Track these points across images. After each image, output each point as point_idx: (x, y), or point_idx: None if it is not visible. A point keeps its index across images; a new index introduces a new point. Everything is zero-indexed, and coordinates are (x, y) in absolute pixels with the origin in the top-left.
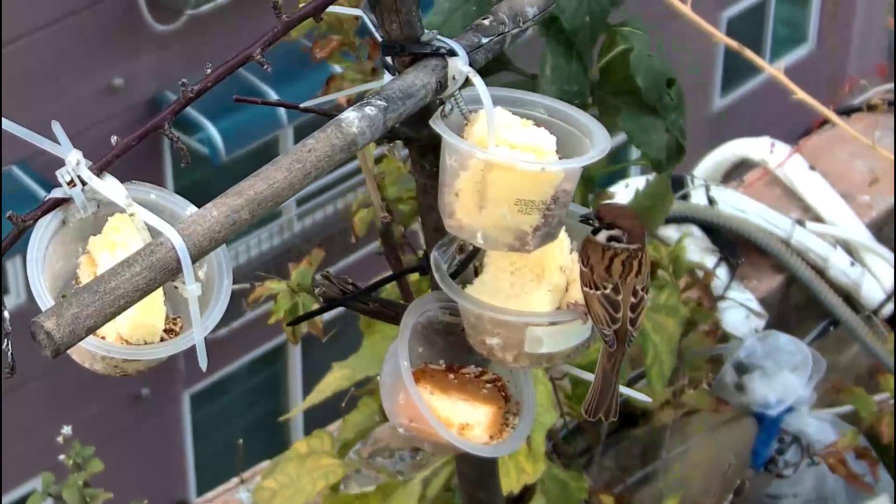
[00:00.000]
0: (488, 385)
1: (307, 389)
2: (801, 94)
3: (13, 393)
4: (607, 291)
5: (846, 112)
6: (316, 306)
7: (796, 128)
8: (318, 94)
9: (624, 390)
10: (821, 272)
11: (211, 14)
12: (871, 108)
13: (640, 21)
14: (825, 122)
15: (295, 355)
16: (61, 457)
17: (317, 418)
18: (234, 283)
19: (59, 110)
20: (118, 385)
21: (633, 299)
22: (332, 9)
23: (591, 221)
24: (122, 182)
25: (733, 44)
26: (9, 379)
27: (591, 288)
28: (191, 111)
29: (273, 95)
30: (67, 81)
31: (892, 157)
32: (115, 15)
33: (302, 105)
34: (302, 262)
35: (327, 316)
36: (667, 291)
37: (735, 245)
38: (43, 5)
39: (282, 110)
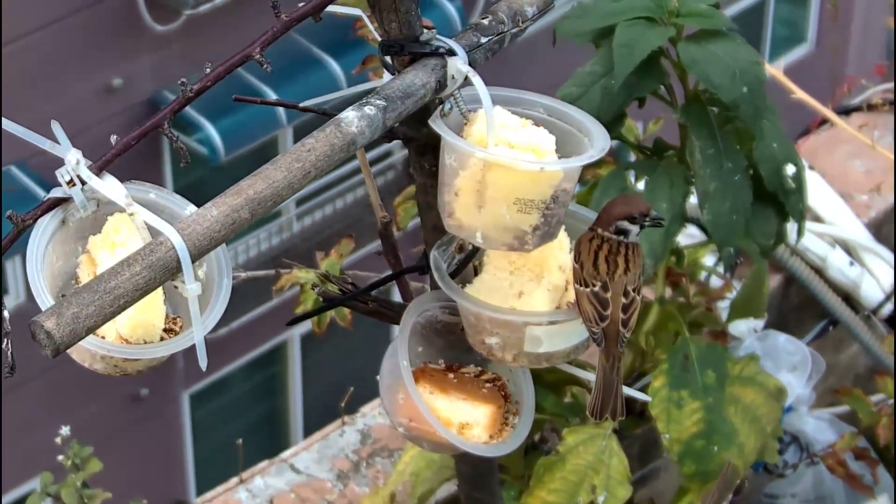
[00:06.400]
0: (488, 384)
1: (307, 389)
2: (800, 94)
3: (12, 393)
4: (596, 289)
5: (845, 112)
6: None
7: (795, 128)
8: (354, 74)
9: (623, 389)
10: (819, 272)
11: (210, 14)
12: (870, 107)
13: (770, 110)
14: (824, 121)
15: (294, 355)
16: (60, 457)
17: (316, 417)
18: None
19: (57, 110)
20: (117, 385)
21: (623, 300)
22: (331, 8)
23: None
24: (121, 181)
25: None
26: (9, 379)
27: (581, 285)
28: (189, 111)
29: (273, 96)
30: (66, 82)
31: (892, 157)
32: (114, 15)
33: (301, 104)
34: (331, 252)
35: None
36: (742, 363)
37: None
38: (41, 5)
39: (281, 110)
